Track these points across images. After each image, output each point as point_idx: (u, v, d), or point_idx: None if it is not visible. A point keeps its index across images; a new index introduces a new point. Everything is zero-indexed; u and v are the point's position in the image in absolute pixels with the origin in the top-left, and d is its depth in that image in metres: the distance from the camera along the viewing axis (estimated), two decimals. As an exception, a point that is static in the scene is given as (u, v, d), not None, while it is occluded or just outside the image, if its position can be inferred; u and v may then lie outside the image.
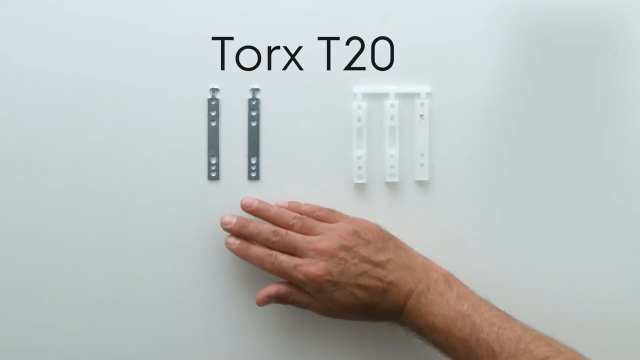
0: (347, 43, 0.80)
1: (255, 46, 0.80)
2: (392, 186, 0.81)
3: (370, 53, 0.80)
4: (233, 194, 0.79)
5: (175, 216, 0.80)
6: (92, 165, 0.79)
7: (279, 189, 0.80)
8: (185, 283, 0.80)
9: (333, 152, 0.80)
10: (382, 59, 0.80)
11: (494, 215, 0.81)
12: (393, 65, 0.81)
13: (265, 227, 0.75)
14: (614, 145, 0.81)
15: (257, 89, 0.79)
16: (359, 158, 0.80)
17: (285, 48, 0.80)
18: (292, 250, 0.74)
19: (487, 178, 0.81)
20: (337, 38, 0.80)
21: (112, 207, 0.80)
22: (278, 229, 0.75)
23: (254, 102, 0.80)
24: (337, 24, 0.80)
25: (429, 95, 0.81)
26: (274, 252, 0.74)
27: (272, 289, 0.75)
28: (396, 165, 0.80)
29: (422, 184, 0.81)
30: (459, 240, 0.81)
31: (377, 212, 0.80)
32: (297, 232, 0.75)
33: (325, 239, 0.73)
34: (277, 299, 0.76)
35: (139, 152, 0.80)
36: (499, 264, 0.81)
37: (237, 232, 0.76)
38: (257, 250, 0.75)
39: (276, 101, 0.80)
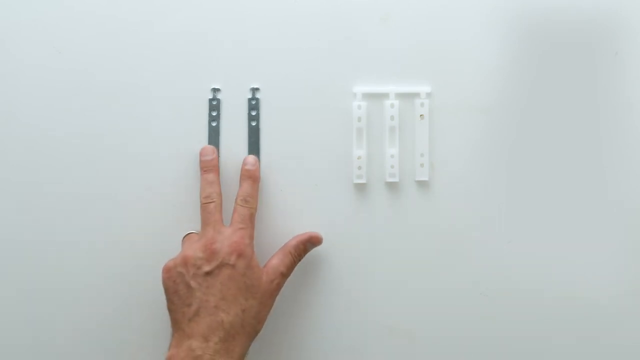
0: (347, 43, 0.80)
1: (255, 46, 0.80)
2: (392, 186, 0.81)
3: (371, 53, 0.80)
4: (233, 194, 0.79)
5: (175, 217, 0.80)
6: (90, 166, 0.79)
7: (279, 189, 0.80)
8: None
9: (333, 152, 0.81)
10: (382, 59, 0.81)
11: (494, 215, 0.81)
12: (393, 65, 0.81)
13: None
14: (614, 145, 0.81)
15: (257, 89, 0.79)
16: (359, 158, 0.80)
17: (285, 48, 0.80)
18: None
19: (487, 178, 0.81)
20: (337, 38, 0.80)
21: (111, 207, 0.80)
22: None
23: (253, 102, 0.80)
24: (337, 24, 0.80)
25: (429, 95, 0.81)
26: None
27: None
28: (396, 165, 0.80)
29: (422, 184, 0.81)
30: (459, 240, 0.81)
31: (377, 212, 0.80)
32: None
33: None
34: None
35: (139, 152, 0.80)
36: (499, 264, 0.81)
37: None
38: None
39: (276, 101, 0.80)
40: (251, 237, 0.74)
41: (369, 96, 0.81)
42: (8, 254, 0.79)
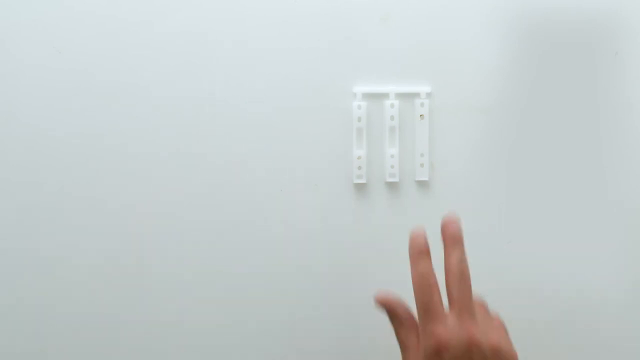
0: (347, 43, 0.80)
1: (255, 46, 0.80)
2: (392, 186, 0.81)
3: (371, 53, 0.80)
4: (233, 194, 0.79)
5: (175, 217, 0.80)
6: (90, 166, 0.80)
7: (279, 189, 0.80)
8: (185, 292, 0.80)
9: (333, 152, 0.81)
10: (382, 59, 0.81)
11: (494, 215, 0.81)
12: (393, 65, 0.81)
13: None
14: (613, 145, 0.81)
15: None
16: (359, 158, 0.80)
17: (285, 48, 0.80)
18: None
19: (487, 178, 0.81)
20: (337, 38, 0.80)
21: (111, 207, 0.80)
22: None
23: None
24: (337, 24, 0.80)
25: (429, 95, 0.81)
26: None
27: (396, 303, 0.66)
28: (396, 165, 0.80)
29: (422, 184, 0.81)
30: (459, 240, 0.81)
31: (377, 212, 0.80)
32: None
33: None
34: (391, 313, 0.66)
35: (139, 152, 0.80)
36: (499, 264, 0.81)
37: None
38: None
39: (276, 101, 0.80)
40: None
41: (369, 96, 0.81)
42: (8, 254, 0.79)
